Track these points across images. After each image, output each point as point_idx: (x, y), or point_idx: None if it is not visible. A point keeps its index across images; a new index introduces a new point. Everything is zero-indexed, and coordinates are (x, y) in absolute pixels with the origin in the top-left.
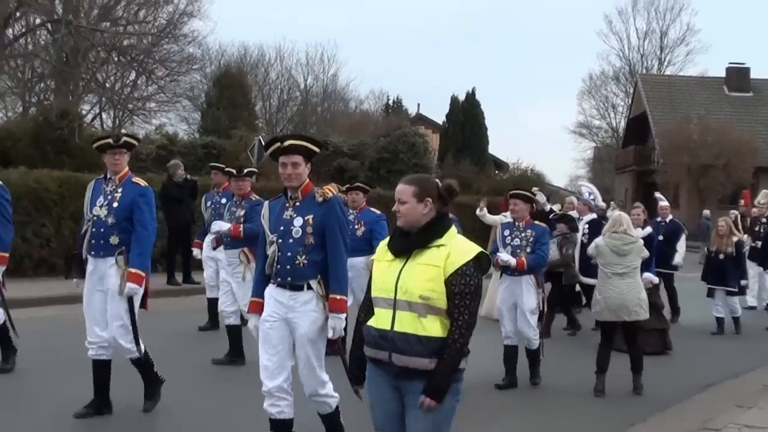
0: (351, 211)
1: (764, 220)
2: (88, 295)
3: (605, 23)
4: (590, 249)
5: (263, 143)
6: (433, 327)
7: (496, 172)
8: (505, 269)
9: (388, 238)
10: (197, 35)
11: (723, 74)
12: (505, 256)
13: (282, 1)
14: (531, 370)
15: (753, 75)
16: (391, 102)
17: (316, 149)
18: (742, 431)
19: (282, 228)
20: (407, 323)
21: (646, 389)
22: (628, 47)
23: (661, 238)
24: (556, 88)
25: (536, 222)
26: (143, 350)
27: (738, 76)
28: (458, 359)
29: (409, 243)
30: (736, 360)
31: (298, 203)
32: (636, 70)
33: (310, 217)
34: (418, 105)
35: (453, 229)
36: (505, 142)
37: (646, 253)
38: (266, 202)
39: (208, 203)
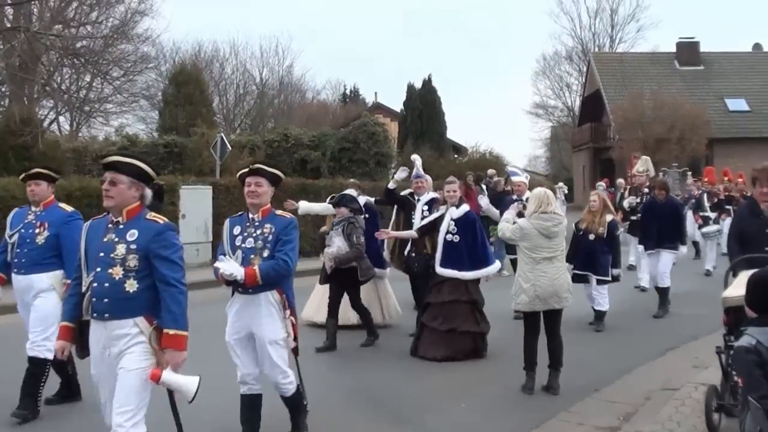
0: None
1: (645, 190)
2: None
3: (555, 3)
4: (510, 231)
5: (225, 140)
6: None
7: (456, 156)
8: (234, 284)
9: None
10: (151, 34)
11: (674, 49)
12: (225, 264)
13: None
14: (293, 422)
15: (703, 48)
16: (348, 91)
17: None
18: (698, 389)
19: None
20: None
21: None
22: (580, 26)
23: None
24: (512, 70)
25: (278, 212)
26: None
27: (688, 50)
28: None
29: None
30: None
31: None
32: (588, 49)
33: None
34: (376, 93)
35: None
36: (464, 126)
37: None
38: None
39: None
